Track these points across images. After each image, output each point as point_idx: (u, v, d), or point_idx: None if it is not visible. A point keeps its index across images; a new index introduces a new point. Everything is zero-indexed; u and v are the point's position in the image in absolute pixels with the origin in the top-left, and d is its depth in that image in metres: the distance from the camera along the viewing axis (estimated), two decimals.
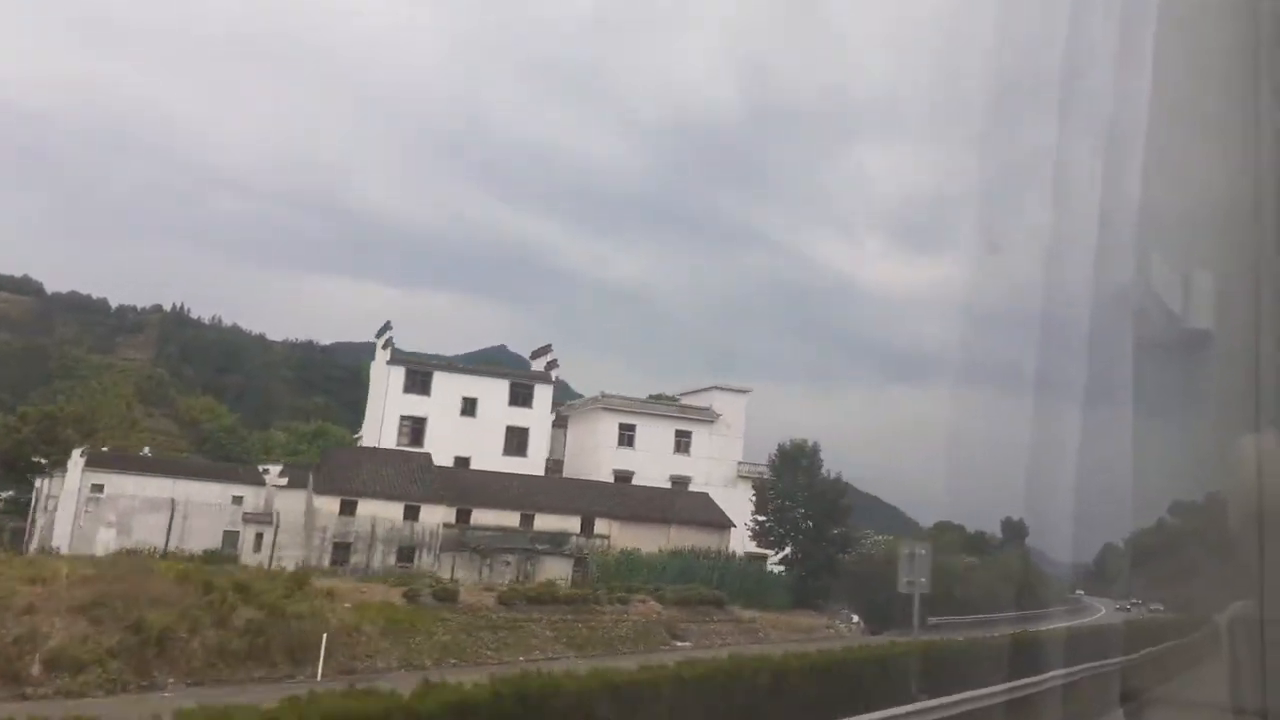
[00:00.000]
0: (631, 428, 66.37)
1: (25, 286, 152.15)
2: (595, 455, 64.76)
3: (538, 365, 72.63)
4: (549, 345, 72.80)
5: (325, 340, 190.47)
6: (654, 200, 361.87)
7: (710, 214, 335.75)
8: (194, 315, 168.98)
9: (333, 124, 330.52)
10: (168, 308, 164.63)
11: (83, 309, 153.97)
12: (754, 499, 56.58)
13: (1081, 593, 59.65)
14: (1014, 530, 70.16)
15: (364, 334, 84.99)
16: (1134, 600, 46.55)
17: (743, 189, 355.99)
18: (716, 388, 70.26)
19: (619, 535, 51.61)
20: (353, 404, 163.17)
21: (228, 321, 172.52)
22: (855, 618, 48.03)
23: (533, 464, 62.94)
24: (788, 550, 53.44)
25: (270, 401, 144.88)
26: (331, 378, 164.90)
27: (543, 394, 66.97)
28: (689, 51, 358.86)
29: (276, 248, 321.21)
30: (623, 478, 62.73)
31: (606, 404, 67.39)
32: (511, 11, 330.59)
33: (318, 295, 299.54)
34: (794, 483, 53.34)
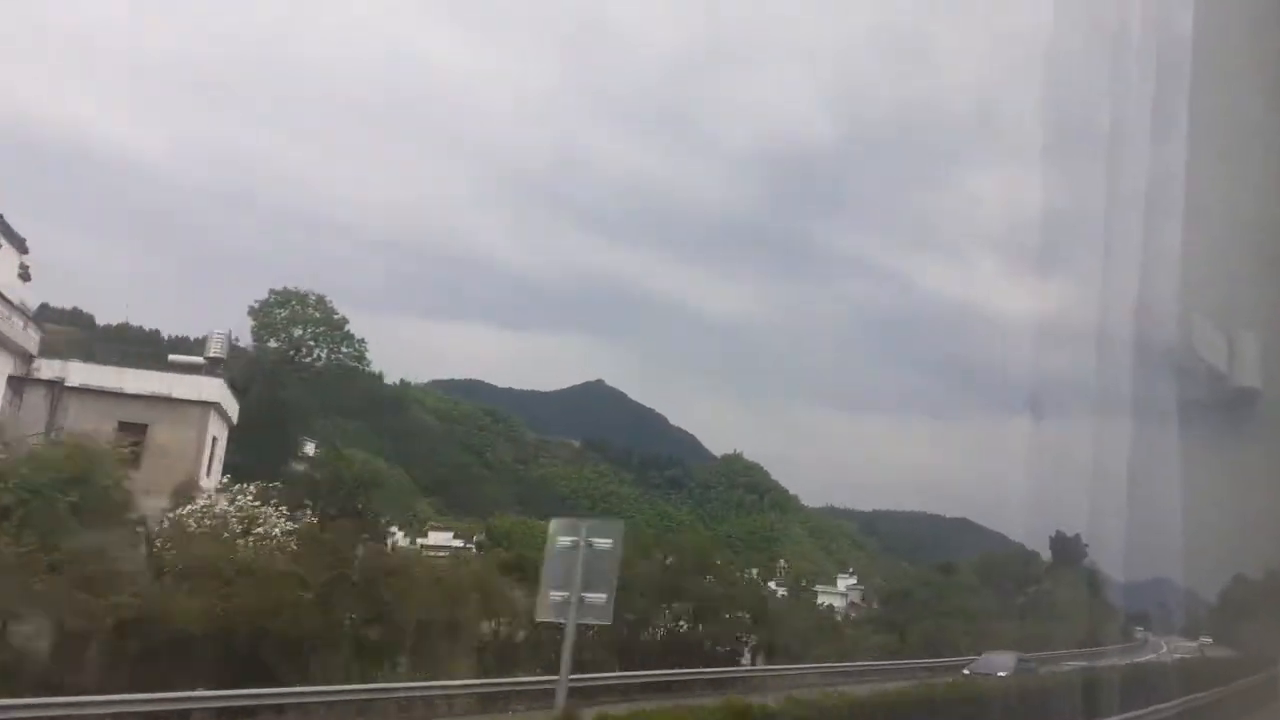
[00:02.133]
0: None
1: (76, 319, 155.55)
2: None
3: None
4: None
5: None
6: (751, 231, 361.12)
7: (808, 242, 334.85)
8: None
9: (435, 173, 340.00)
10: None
11: (131, 340, 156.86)
12: None
13: (1142, 629, 56.71)
14: (1067, 548, 64.60)
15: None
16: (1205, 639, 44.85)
17: (841, 216, 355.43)
18: None
19: None
20: (387, 428, 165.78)
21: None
22: None
23: None
24: None
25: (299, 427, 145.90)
26: (376, 404, 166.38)
27: None
28: (781, 81, 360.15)
29: (385, 293, 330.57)
30: None
31: None
32: (601, 55, 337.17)
33: (426, 337, 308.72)
34: None
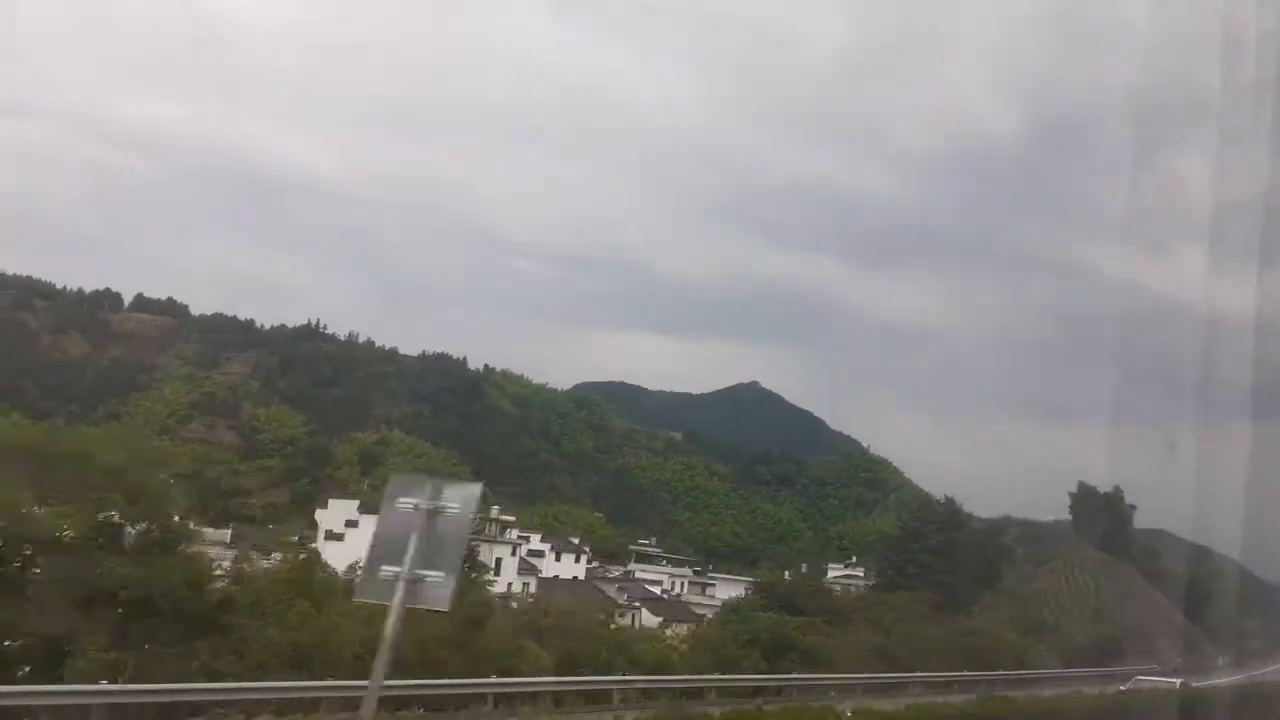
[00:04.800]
0: None
1: (171, 309, 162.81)
2: None
3: None
4: None
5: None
6: (927, 231, 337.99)
7: (993, 242, 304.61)
8: (329, 331, 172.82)
9: (609, 187, 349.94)
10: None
11: (217, 328, 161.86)
12: None
13: None
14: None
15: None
16: None
17: (1027, 213, 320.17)
18: None
19: None
20: (462, 414, 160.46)
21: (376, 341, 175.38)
22: None
23: None
24: None
25: (361, 410, 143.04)
26: (445, 389, 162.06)
27: None
28: (959, 75, 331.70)
29: (561, 304, 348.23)
30: None
31: None
32: (768, 58, 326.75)
33: (601, 346, 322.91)
34: None
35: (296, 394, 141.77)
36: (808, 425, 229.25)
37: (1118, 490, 61.19)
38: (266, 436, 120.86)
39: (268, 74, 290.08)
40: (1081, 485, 66.81)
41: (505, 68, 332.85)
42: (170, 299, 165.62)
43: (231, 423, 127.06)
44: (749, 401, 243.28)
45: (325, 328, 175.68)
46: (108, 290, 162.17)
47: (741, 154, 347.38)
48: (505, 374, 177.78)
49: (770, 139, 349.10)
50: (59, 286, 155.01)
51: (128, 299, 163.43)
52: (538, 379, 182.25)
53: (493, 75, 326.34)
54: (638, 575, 79.67)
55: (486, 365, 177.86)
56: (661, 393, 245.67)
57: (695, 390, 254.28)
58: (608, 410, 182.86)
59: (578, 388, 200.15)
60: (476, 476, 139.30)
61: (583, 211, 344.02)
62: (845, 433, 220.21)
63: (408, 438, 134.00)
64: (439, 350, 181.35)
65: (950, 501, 79.90)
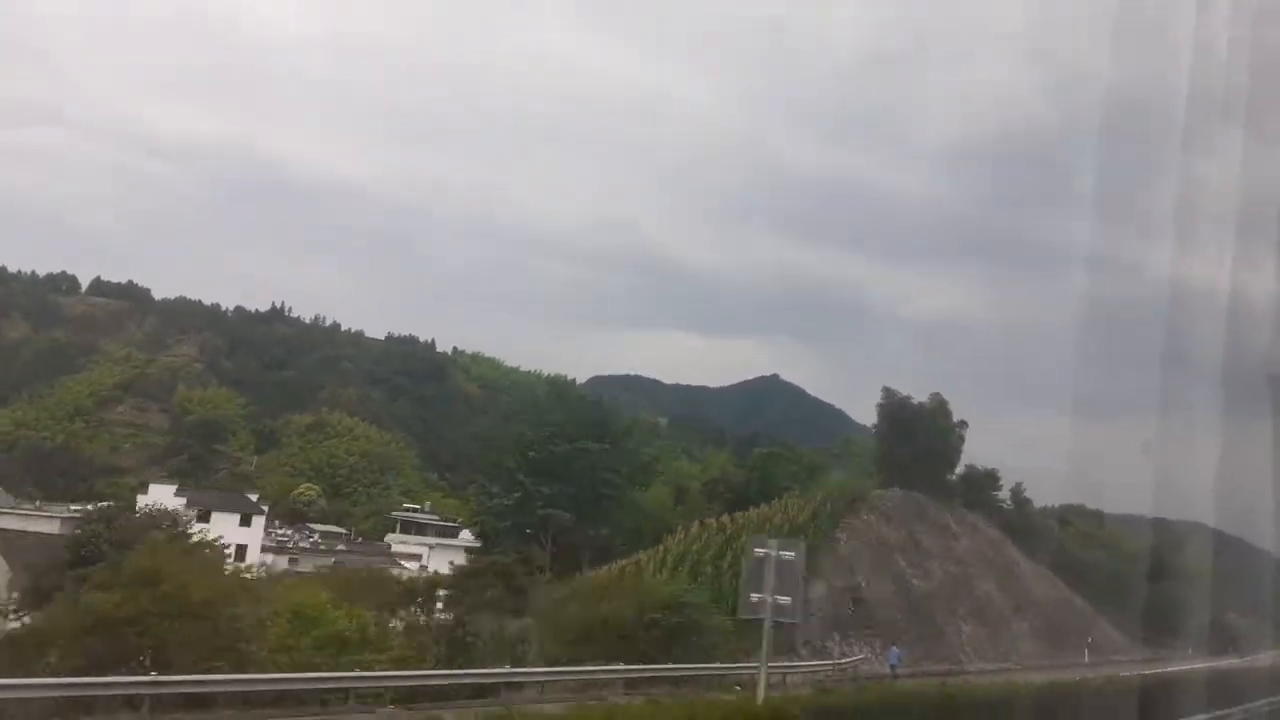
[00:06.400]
0: None
1: (131, 292, 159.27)
2: None
3: None
4: None
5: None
6: (960, 226, 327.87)
7: (1026, 237, 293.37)
8: (294, 315, 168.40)
9: (638, 188, 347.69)
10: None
11: (177, 312, 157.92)
12: None
13: None
14: None
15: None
16: None
17: (1063, 206, 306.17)
18: None
19: None
20: (419, 397, 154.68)
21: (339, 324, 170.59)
22: None
23: None
24: None
25: (309, 392, 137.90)
26: (404, 371, 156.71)
27: None
28: (992, 69, 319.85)
29: (586, 303, 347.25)
30: None
31: None
32: (794, 58, 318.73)
33: (620, 341, 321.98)
34: None
35: (244, 376, 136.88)
36: (828, 417, 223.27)
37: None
38: (195, 419, 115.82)
39: (293, 81, 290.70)
40: (887, 390, 58.04)
41: (532, 70, 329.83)
42: (131, 282, 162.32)
43: (164, 405, 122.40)
44: (768, 394, 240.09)
45: (290, 311, 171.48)
46: (63, 273, 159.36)
47: (768, 149, 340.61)
48: (475, 357, 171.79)
49: (797, 135, 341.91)
50: (11, 270, 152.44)
51: (85, 283, 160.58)
52: (555, 372, 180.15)
53: (518, 80, 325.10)
54: (395, 549, 72.36)
55: (455, 348, 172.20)
56: (678, 386, 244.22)
57: (714, 384, 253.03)
58: (579, 392, 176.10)
59: (591, 381, 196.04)
60: (426, 459, 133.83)
61: (608, 209, 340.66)
62: (870, 424, 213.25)
63: (348, 419, 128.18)
64: (407, 333, 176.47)
65: None
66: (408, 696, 20.72)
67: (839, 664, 34.58)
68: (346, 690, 20.14)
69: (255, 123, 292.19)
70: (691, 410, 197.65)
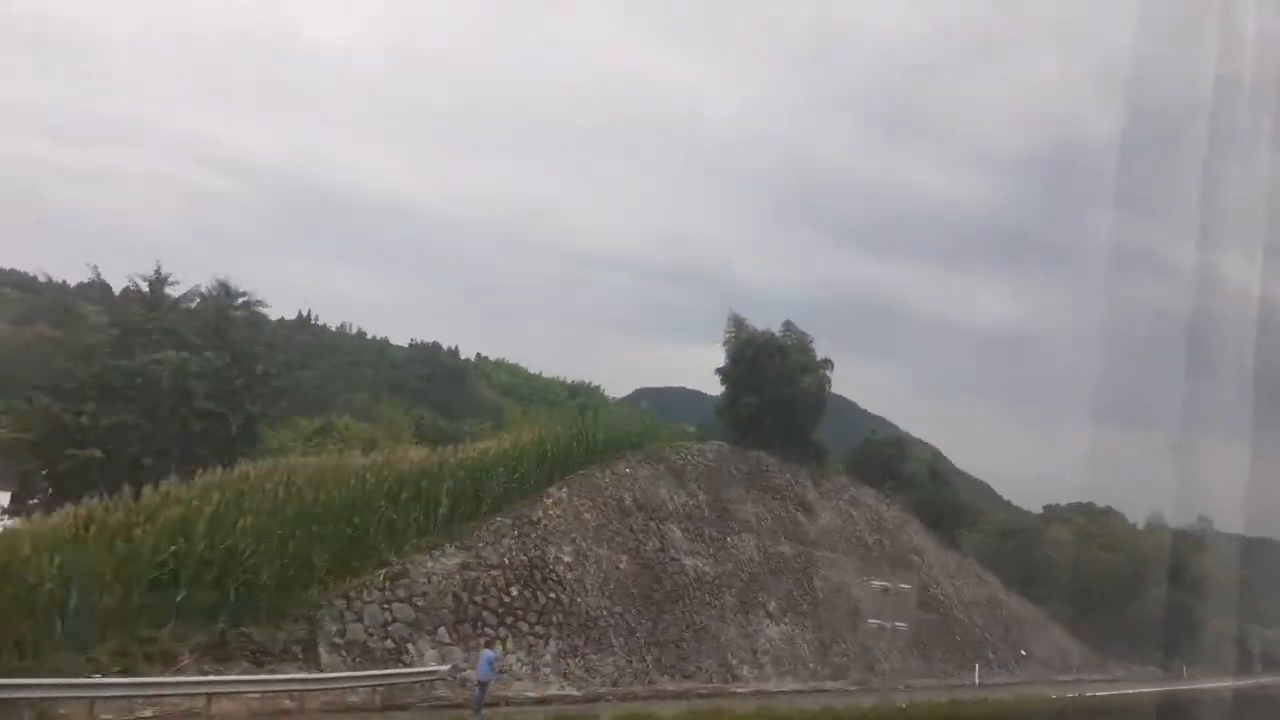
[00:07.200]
0: None
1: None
2: None
3: None
4: None
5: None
6: (1012, 233, 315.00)
7: (1087, 242, 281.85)
8: (321, 323, 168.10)
9: (687, 200, 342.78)
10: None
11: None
12: None
13: None
14: None
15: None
16: None
17: (1124, 210, 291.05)
18: None
19: None
20: (435, 403, 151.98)
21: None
22: None
23: None
24: None
25: (322, 399, 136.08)
26: (422, 376, 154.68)
27: None
28: (1045, 71, 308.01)
29: (631, 314, 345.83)
30: None
31: None
32: (838, 59, 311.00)
33: (668, 355, 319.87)
34: None
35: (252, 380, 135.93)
36: (880, 431, 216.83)
37: None
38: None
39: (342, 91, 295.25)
40: (735, 320, 49.43)
41: (582, 78, 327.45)
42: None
43: None
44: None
45: (317, 319, 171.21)
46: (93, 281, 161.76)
47: (819, 157, 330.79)
48: (498, 364, 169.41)
49: (847, 140, 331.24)
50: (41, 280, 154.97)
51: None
52: (603, 386, 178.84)
53: (570, 90, 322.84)
54: None
55: (479, 354, 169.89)
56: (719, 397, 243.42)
57: None
58: (599, 395, 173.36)
59: (636, 393, 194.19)
60: None
61: (656, 220, 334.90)
62: (923, 438, 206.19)
63: (355, 424, 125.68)
64: (431, 340, 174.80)
65: None
66: None
67: (391, 674, 24.48)
68: None
69: (306, 133, 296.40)
70: None
